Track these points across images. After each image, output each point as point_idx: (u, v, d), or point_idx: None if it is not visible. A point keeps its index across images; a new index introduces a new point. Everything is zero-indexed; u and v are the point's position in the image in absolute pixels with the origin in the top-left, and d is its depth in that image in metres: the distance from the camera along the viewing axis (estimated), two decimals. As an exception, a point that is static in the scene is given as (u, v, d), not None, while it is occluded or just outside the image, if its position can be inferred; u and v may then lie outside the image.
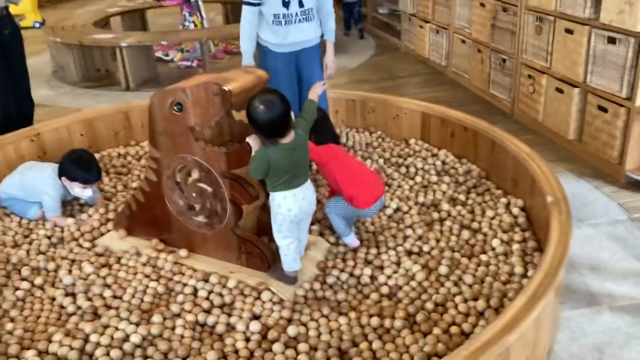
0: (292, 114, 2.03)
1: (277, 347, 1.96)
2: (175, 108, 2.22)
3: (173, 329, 2.06)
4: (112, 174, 3.30)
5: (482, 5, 4.54)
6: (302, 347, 1.96)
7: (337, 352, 1.94)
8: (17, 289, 2.31)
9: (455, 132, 3.24)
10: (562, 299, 2.25)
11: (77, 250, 2.56)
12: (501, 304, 2.08)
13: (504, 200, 2.74)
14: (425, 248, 2.45)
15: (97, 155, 3.22)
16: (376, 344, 1.95)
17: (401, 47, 6.52)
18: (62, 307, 2.22)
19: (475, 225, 2.60)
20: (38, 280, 2.35)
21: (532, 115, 3.99)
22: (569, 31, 3.48)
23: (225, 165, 2.21)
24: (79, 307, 2.20)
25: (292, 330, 2.02)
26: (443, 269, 2.30)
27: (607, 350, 2.04)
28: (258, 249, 2.29)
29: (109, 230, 2.67)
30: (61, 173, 2.78)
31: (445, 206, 2.74)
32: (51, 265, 2.44)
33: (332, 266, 2.36)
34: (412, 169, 3.14)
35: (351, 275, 2.33)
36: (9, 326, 2.10)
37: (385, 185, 2.98)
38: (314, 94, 2.28)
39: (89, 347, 1.98)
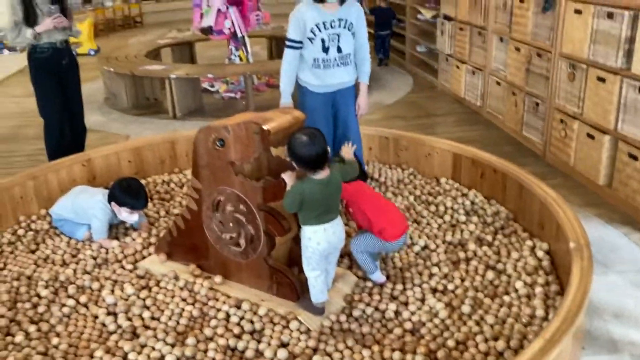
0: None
1: (302, 374, 2.03)
2: (218, 144, 2.37)
3: (205, 351, 2.16)
4: (155, 199, 3.45)
5: (517, 49, 4.62)
6: (326, 376, 2.03)
7: (359, 383, 2.00)
8: (63, 305, 2.45)
9: (485, 173, 3.30)
10: (583, 344, 2.27)
11: (120, 271, 2.69)
12: (521, 345, 2.11)
13: (529, 243, 2.77)
14: (450, 286, 2.50)
15: (142, 181, 3.36)
16: (397, 378, 2.00)
17: (438, 86, 6.62)
18: (103, 325, 2.33)
19: (500, 266, 2.64)
20: (83, 299, 2.47)
21: (563, 159, 4.02)
22: (600, 79, 3.53)
23: (261, 198, 2.34)
24: (119, 326, 2.32)
25: (317, 360, 2.10)
26: (466, 308, 2.34)
27: (626, 397, 2.06)
28: (288, 279, 2.39)
29: (150, 254, 2.81)
30: (111, 198, 2.93)
31: (472, 246, 2.80)
32: (95, 285, 2.57)
33: (359, 300, 2.42)
34: (442, 208, 3.20)
35: (376, 309, 2.39)
36: (54, 340, 2.23)
37: (415, 222, 3.07)
38: (348, 154, 2.40)
39: (127, 365, 2.09)
